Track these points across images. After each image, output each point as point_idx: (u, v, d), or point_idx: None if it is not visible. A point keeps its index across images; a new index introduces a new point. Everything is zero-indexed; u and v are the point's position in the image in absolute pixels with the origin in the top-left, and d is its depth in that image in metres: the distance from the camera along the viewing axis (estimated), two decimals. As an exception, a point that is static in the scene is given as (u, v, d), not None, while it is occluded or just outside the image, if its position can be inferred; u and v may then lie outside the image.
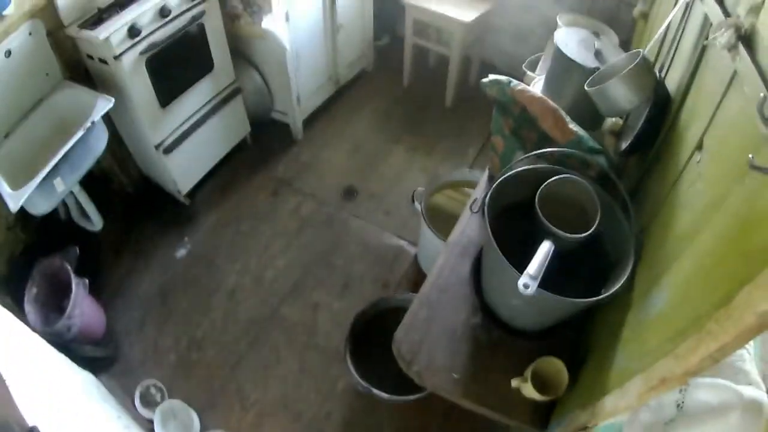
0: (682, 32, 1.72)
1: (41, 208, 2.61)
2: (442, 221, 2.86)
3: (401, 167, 3.96)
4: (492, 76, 1.97)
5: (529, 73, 3.07)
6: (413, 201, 3.01)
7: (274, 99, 3.99)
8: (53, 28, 2.78)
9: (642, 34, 2.82)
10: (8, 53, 2.59)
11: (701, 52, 1.48)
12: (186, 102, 3.31)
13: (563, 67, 2.22)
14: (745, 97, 1.02)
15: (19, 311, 2.62)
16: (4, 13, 2.54)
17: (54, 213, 2.91)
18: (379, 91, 4.60)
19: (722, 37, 1.18)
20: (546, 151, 1.74)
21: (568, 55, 2.16)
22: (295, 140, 4.13)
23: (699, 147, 1.28)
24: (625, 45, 3.26)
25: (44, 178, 2.44)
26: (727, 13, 1.30)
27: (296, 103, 3.89)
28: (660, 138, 1.74)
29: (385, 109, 4.44)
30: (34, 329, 2.33)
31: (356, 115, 4.39)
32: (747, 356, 1.16)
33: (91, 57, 2.88)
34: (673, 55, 1.79)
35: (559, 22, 3.34)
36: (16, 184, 2.41)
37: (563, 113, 1.84)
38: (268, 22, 3.22)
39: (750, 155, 0.86)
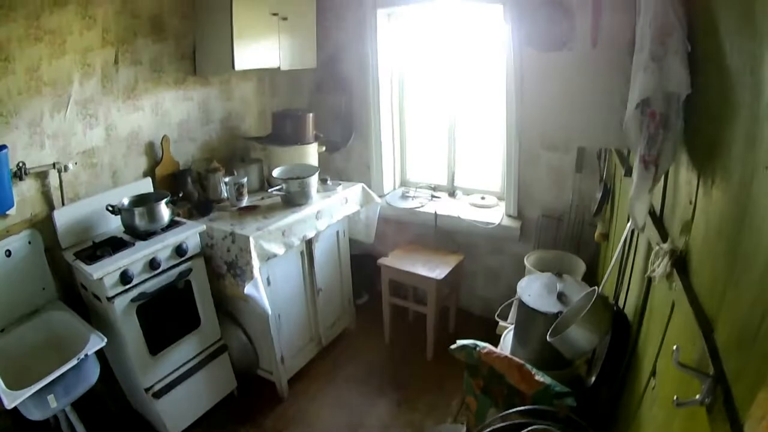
0: (634, 257, 1.82)
1: (34, 415, 2.60)
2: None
3: (387, 423, 3.85)
4: (459, 342, 2.08)
5: (501, 322, 3.15)
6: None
7: (259, 357, 4.01)
8: (51, 245, 3.04)
9: (605, 254, 2.96)
10: (8, 253, 2.81)
11: (648, 281, 1.56)
12: (174, 353, 3.36)
13: (528, 316, 2.33)
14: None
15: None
16: (8, 212, 2.80)
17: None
18: (361, 348, 4.64)
19: (660, 267, 1.26)
20: (515, 411, 1.78)
21: (531, 305, 2.28)
22: (281, 397, 4.07)
23: (653, 373, 1.32)
24: (592, 268, 3.43)
25: (38, 390, 2.47)
26: (665, 234, 1.39)
27: (280, 363, 3.91)
28: (624, 366, 1.77)
29: (368, 366, 4.44)
30: None
31: (340, 372, 4.37)
32: None
33: (84, 287, 3.04)
34: (629, 281, 1.88)
35: (526, 263, 3.52)
36: (8, 381, 2.44)
37: (529, 366, 1.91)
38: (250, 289, 3.33)
39: (674, 347, 0.90)
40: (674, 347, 0.96)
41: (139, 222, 3.17)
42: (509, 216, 4.31)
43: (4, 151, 2.80)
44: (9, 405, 2.39)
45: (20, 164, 2.94)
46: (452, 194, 4.77)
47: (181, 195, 3.64)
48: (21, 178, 2.95)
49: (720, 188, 1.13)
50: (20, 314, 2.93)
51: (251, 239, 3.29)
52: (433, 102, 4.84)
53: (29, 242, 2.93)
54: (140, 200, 3.32)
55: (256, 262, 3.33)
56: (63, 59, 3.17)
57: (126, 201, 3.28)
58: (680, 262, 1.24)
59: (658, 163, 1.36)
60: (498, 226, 4.25)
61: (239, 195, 3.80)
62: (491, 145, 4.57)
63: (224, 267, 3.47)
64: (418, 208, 4.64)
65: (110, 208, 3.20)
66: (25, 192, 3.01)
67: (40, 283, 3.01)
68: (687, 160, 1.38)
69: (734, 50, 1.13)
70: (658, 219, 1.57)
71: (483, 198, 4.58)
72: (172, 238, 3.20)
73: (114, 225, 3.32)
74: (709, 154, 1.23)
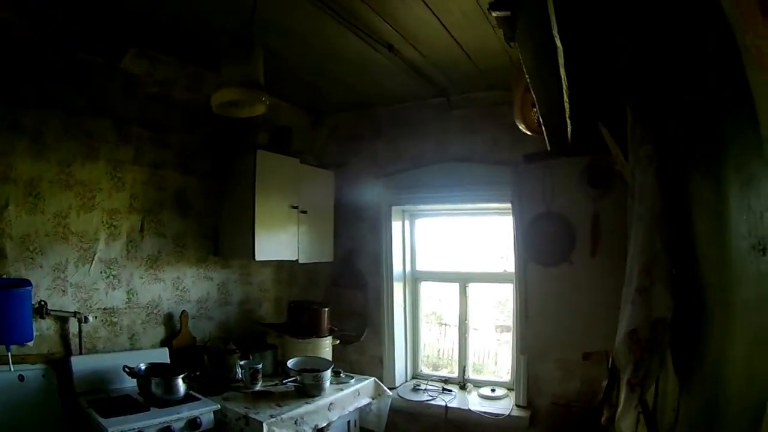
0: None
1: None
2: None
3: None
4: None
5: None
6: None
7: None
8: (64, 386, 3.06)
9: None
10: (21, 378, 2.83)
11: None
12: None
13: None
14: None
15: None
16: (27, 343, 2.83)
17: None
18: None
19: None
20: None
21: None
22: None
23: None
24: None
25: None
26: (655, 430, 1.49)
27: None
28: None
29: None
30: None
31: None
32: None
33: None
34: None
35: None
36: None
37: None
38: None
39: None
40: None
41: (156, 390, 3.21)
42: (519, 406, 4.32)
43: (29, 288, 2.93)
44: None
45: (42, 302, 3.09)
46: (463, 387, 4.78)
47: (198, 373, 3.70)
48: (42, 316, 3.08)
49: (695, 402, 1.25)
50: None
51: (265, 425, 3.27)
52: (446, 297, 5.06)
53: (43, 375, 3.00)
54: (157, 369, 3.38)
55: (268, 446, 3.31)
56: (91, 214, 3.42)
57: (143, 366, 3.33)
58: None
59: (643, 384, 1.48)
60: (508, 417, 4.24)
61: (254, 379, 3.84)
62: (501, 340, 4.71)
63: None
64: (429, 400, 4.63)
65: (127, 370, 3.27)
66: (44, 329, 3.12)
67: (48, 416, 3.01)
68: (672, 370, 1.50)
69: (712, 296, 1.31)
70: (651, 414, 1.66)
71: (493, 390, 4.60)
72: (187, 412, 3.19)
73: (129, 384, 3.35)
74: (687, 370, 1.36)
